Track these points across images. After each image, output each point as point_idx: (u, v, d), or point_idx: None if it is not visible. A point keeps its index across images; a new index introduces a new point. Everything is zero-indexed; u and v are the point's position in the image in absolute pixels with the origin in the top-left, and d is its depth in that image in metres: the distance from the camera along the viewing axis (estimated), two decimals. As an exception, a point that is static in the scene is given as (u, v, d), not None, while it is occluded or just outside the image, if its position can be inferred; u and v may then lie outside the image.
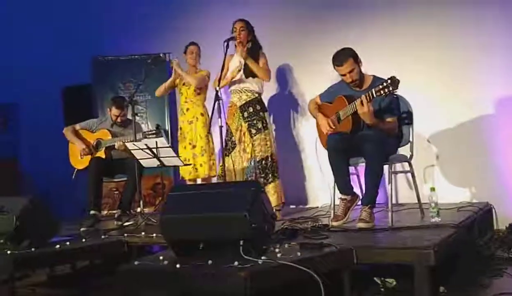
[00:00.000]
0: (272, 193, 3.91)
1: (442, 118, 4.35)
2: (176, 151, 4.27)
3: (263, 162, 3.92)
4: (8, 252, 2.87)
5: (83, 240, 3.42)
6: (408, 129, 3.49)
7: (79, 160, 4.46)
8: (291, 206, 4.79)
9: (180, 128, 4.64)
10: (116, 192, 5.25)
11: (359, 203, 3.33)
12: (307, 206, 4.93)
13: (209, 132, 4.36)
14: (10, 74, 6.15)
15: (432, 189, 3.13)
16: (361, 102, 3.05)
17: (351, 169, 3.75)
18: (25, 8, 6.37)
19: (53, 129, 5.01)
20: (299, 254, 2.33)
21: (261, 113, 4.00)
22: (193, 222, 2.42)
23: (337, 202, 3.40)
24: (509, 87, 4.14)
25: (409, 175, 3.60)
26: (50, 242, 3.16)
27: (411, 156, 3.47)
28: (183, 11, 5.59)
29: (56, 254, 3.07)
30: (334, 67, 3.30)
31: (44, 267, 3.47)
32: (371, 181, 3.14)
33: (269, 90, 4.27)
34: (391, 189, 3.29)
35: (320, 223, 3.34)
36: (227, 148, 4.05)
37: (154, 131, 4.03)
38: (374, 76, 3.35)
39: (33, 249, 2.96)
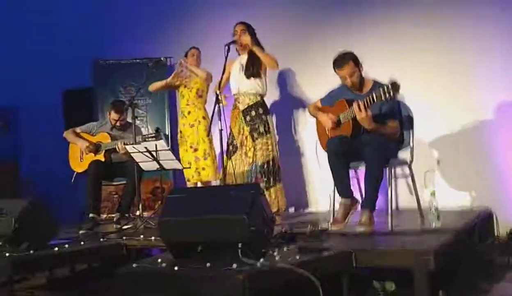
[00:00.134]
0: (274, 197, 3.90)
1: (443, 123, 4.35)
2: (176, 154, 4.27)
3: (265, 166, 3.92)
4: (7, 254, 2.88)
5: (82, 243, 3.41)
6: (409, 133, 3.48)
7: (78, 163, 4.46)
8: (291, 210, 4.78)
9: (180, 131, 4.64)
10: (115, 196, 5.25)
11: (359, 207, 3.32)
12: (307, 210, 4.92)
13: (208, 135, 4.36)
14: (11, 77, 6.16)
15: (432, 194, 3.12)
16: (358, 108, 3.05)
17: (351, 173, 3.75)
18: (26, 11, 6.40)
19: (54, 132, 5.02)
20: (297, 257, 2.32)
21: (263, 116, 3.99)
22: (192, 224, 2.41)
23: (337, 206, 3.39)
24: (510, 92, 4.13)
25: (409, 179, 3.59)
26: (48, 245, 3.16)
27: (411, 160, 3.46)
28: (184, 15, 5.61)
29: (54, 257, 3.07)
30: (335, 71, 3.30)
31: (42, 269, 3.46)
32: (370, 185, 3.13)
33: (270, 93, 4.27)
34: (391, 193, 3.28)
35: (319, 227, 3.32)
36: (229, 152, 4.05)
37: (154, 135, 4.03)
38: (374, 80, 3.35)
39: (31, 252, 2.96)
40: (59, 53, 6.02)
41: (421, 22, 4.44)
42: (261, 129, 3.95)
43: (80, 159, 4.46)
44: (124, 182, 4.43)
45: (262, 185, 3.86)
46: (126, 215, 4.34)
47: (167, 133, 5.53)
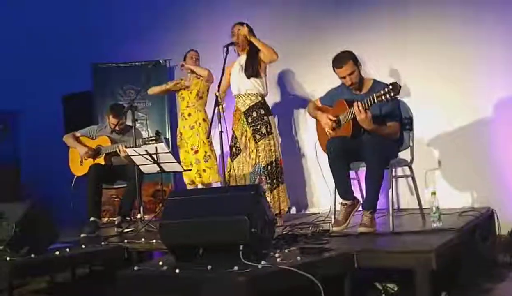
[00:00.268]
0: (277, 198, 3.89)
1: (443, 123, 4.34)
2: (176, 156, 4.27)
3: (269, 167, 3.91)
4: (7, 258, 2.86)
5: (83, 246, 3.40)
6: (408, 134, 3.48)
7: (79, 167, 4.46)
8: (292, 211, 4.77)
9: (180, 133, 4.64)
10: (116, 199, 5.24)
11: (360, 208, 3.31)
12: (308, 211, 4.92)
13: (208, 137, 4.36)
14: (12, 82, 6.17)
15: (433, 194, 3.11)
16: (358, 109, 3.04)
17: (352, 174, 3.74)
18: (26, 15, 6.40)
19: (54, 136, 5.02)
20: (299, 259, 2.31)
21: (265, 117, 3.97)
22: (193, 226, 2.41)
23: (338, 207, 3.38)
24: (511, 91, 4.13)
25: (410, 180, 3.59)
26: (49, 249, 3.15)
27: (412, 160, 3.45)
28: (183, 18, 5.62)
29: (55, 261, 3.06)
30: (334, 70, 3.30)
31: (43, 273, 3.46)
32: (371, 186, 3.12)
33: (270, 94, 4.26)
34: (392, 193, 3.27)
35: (320, 228, 3.32)
36: (232, 154, 4.05)
37: (154, 138, 4.02)
38: (374, 79, 3.35)
39: (32, 256, 2.95)
40: (58, 57, 6.03)
41: (421, 24, 4.43)
42: (263, 130, 3.94)
43: (80, 163, 4.46)
44: (124, 185, 4.43)
45: (266, 186, 3.86)
46: (127, 218, 4.33)
47: (167, 136, 5.53)
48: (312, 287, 2.12)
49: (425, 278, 2.34)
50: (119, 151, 4.23)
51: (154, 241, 3.32)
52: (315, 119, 3.60)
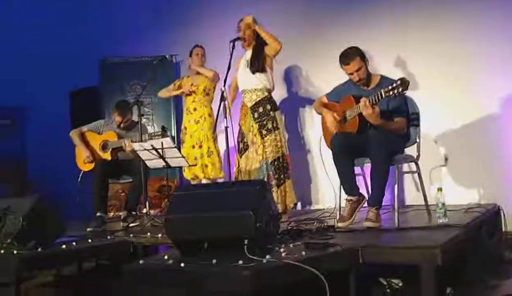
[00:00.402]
0: (284, 194, 3.89)
1: (450, 119, 4.32)
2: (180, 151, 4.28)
3: (275, 162, 3.91)
4: (15, 252, 2.89)
5: (89, 240, 3.42)
6: (415, 129, 3.47)
7: (84, 163, 4.48)
8: (297, 207, 4.77)
9: (185, 127, 4.66)
10: (122, 194, 5.27)
11: (365, 204, 3.31)
12: (313, 207, 4.91)
13: (214, 133, 4.37)
14: (19, 78, 6.20)
15: (439, 190, 3.10)
16: (365, 104, 3.03)
17: (358, 170, 3.73)
18: (34, 11, 6.43)
19: (61, 131, 5.04)
20: (304, 253, 2.32)
21: (271, 113, 3.97)
22: (198, 221, 2.42)
23: (343, 203, 3.38)
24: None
25: (416, 176, 3.58)
26: (56, 243, 3.17)
27: (418, 156, 3.44)
28: (189, 12, 5.62)
29: (62, 255, 3.08)
30: (341, 66, 3.29)
31: (50, 267, 3.48)
32: (377, 182, 3.11)
33: (276, 90, 4.26)
34: (398, 189, 3.26)
35: (325, 224, 3.31)
36: (239, 149, 4.05)
37: (160, 133, 4.03)
38: (381, 75, 3.34)
39: (39, 249, 2.97)
40: (65, 53, 6.05)
41: (429, 20, 4.41)
42: (269, 125, 3.94)
43: (84, 163, 4.47)
44: (131, 179, 4.44)
45: (273, 182, 3.86)
46: (133, 212, 4.35)
47: (173, 131, 5.55)
48: (316, 282, 2.12)
49: (431, 274, 2.34)
50: (125, 146, 4.25)
51: (160, 235, 3.34)
52: (320, 116, 3.60)
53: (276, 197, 3.85)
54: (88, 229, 4.00)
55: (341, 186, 3.35)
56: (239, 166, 4.05)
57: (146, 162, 4.02)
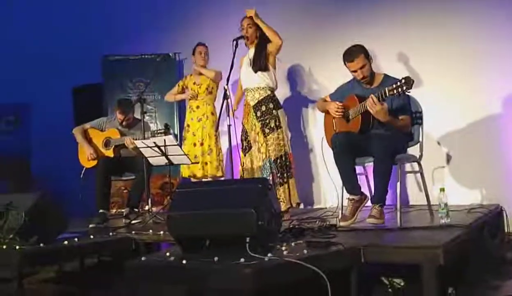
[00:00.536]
0: (287, 192, 3.89)
1: (453, 119, 4.31)
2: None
3: (278, 161, 3.91)
4: (17, 247, 2.89)
5: (91, 237, 3.43)
6: (418, 129, 3.46)
7: (87, 160, 4.49)
8: (300, 207, 4.77)
9: (188, 125, 4.66)
10: (124, 191, 5.27)
11: (368, 203, 3.30)
12: (315, 206, 4.91)
13: (216, 131, 4.37)
14: (22, 75, 6.21)
15: (442, 190, 3.09)
16: (373, 101, 3.02)
17: (360, 169, 3.73)
18: (36, 8, 6.44)
19: (64, 128, 5.05)
20: (305, 252, 2.32)
21: (274, 111, 3.97)
22: (200, 218, 2.42)
23: (345, 202, 3.38)
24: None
25: (419, 176, 3.57)
26: (58, 239, 3.18)
27: (421, 156, 3.43)
28: (192, 10, 5.62)
29: (64, 250, 3.09)
30: (345, 64, 3.29)
31: (52, 263, 3.49)
32: (379, 179, 3.10)
33: (279, 89, 4.26)
34: (400, 189, 3.26)
35: (327, 223, 3.31)
36: (243, 148, 4.06)
37: (163, 131, 4.04)
38: (384, 74, 3.34)
39: (41, 245, 2.98)
40: (68, 50, 6.06)
41: (432, 18, 4.40)
42: (272, 124, 3.94)
43: (88, 160, 4.48)
44: (133, 177, 4.45)
45: (277, 181, 3.86)
46: (136, 209, 4.36)
47: (175, 129, 5.55)
48: (318, 280, 2.12)
49: (432, 274, 2.33)
50: (127, 143, 4.26)
51: (162, 232, 3.34)
52: (323, 116, 3.59)
53: (279, 195, 3.85)
54: (90, 226, 4.01)
55: (343, 185, 3.34)
56: (243, 164, 4.06)
57: (149, 159, 4.03)
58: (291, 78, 5.16)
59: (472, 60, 4.21)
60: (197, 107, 4.62)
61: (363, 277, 2.56)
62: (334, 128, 3.48)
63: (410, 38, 4.48)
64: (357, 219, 3.26)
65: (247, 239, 2.26)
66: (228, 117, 3.69)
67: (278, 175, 3.90)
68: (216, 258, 2.20)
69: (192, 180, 4.60)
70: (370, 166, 3.30)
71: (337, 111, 3.33)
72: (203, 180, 4.55)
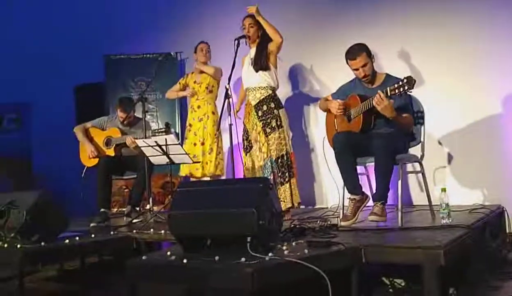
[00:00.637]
0: (289, 192, 3.88)
1: (454, 119, 4.30)
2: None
3: (279, 160, 3.91)
4: (18, 246, 2.90)
5: (92, 235, 3.43)
6: (420, 129, 3.46)
7: (89, 158, 4.49)
8: (301, 206, 4.77)
9: (190, 125, 4.66)
10: (126, 190, 5.28)
11: (369, 203, 3.30)
12: (317, 206, 4.91)
13: (218, 130, 4.37)
14: (24, 74, 6.22)
15: (443, 190, 3.09)
16: (380, 97, 3.01)
17: (361, 169, 3.73)
18: (38, 8, 6.44)
19: (66, 127, 5.06)
20: (306, 251, 2.31)
21: (275, 111, 3.97)
22: (201, 218, 2.42)
23: (346, 202, 3.37)
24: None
25: (420, 176, 3.56)
26: (59, 237, 3.18)
27: (422, 156, 3.43)
28: (194, 9, 5.62)
29: (65, 249, 3.09)
30: (347, 62, 3.29)
31: (53, 261, 3.50)
32: (381, 178, 3.10)
33: (281, 88, 4.26)
34: (402, 189, 3.25)
35: (328, 223, 3.31)
36: (245, 147, 4.06)
37: (163, 130, 4.04)
38: (386, 74, 3.33)
39: (42, 244, 2.98)
40: (70, 49, 6.07)
41: (433, 18, 4.39)
42: (273, 124, 3.94)
43: (89, 158, 4.48)
44: (134, 176, 4.45)
45: (278, 180, 3.86)
46: (137, 208, 4.36)
47: (177, 128, 5.55)
48: (319, 280, 2.12)
49: (433, 274, 2.33)
50: (128, 142, 4.26)
51: (163, 231, 3.35)
52: (325, 115, 3.59)
53: (280, 194, 3.85)
54: (92, 225, 4.01)
55: (344, 185, 3.34)
56: (245, 163, 4.06)
57: (150, 158, 4.03)
58: (292, 77, 5.16)
59: (473, 60, 4.20)
60: (198, 107, 4.62)
61: (364, 277, 2.55)
62: (336, 128, 3.48)
63: (411, 38, 4.47)
64: (358, 219, 3.26)
65: (248, 239, 2.26)
66: (229, 117, 3.68)
67: (279, 174, 3.89)
68: (217, 258, 2.20)
69: (192, 179, 4.60)
70: (371, 165, 3.29)
71: (338, 109, 3.33)
72: (203, 179, 4.54)
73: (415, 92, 3.39)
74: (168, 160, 3.97)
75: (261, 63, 3.95)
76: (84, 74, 5.87)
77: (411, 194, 4.46)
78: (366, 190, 3.38)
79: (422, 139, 3.45)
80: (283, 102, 4.23)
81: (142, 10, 5.95)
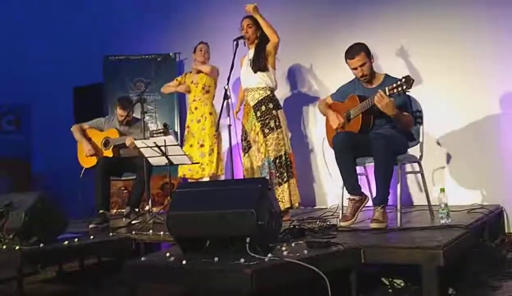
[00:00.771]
0: (287, 192, 3.88)
1: (453, 119, 4.31)
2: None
3: (277, 160, 3.91)
4: (17, 247, 2.89)
5: (91, 237, 3.43)
6: (418, 129, 3.46)
7: (87, 159, 4.49)
8: (300, 207, 4.77)
9: (188, 126, 4.66)
10: (124, 191, 5.27)
11: (368, 203, 3.30)
12: (316, 207, 4.91)
13: (217, 131, 4.37)
14: (23, 75, 6.22)
15: (442, 190, 3.09)
16: (381, 95, 3.01)
17: (361, 169, 3.73)
18: (38, 9, 6.44)
19: (65, 128, 5.06)
20: (305, 252, 2.31)
21: (273, 111, 3.97)
22: (200, 218, 2.41)
23: (346, 202, 3.37)
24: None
25: (419, 176, 3.56)
26: (58, 239, 3.18)
27: (421, 156, 3.43)
28: (193, 11, 5.62)
29: (64, 250, 3.09)
30: (346, 61, 3.29)
31: (52, 263, 3.50)
32: (381, 180, 3.09)
33: (279, 89, 4.26)
34: (401, 189, 3.26)
35: (328, 223, 3.31)
36: (243, 148, 4.06)
37: (162, 130, 4.04)
38: (386, 74, 3.33)
39: (41, 245, 2.98)
40: (69, 50, 6.07)
41: (432, 17, 4.40)
42: (272, 124, 3.94)
43: (86, 157, 4.48)
44: (133, 177, 4.45)
45: (276, 180, 3.86)
46: (136, 209, 4.36)
47: (176, 129, 5.55)
48: (318, 281, 2.12)
49: (433, 274, 2.33)
50: (128, 143, 4.25)
51: (162, 233, 3.34)
52: (324, 116, 3.60)
53: (278, 195, 3.85)
54: (91, 226, 4.01)
55: (344, 185, 3.34)
56: (244, 164, 4.06)
57: (149, 159, 4.02)
58: (291, 78, 5.16)
59: (472, 60, 4.21)
60: (195, 108, 4.63)
61: (363, 277, 2.55)
62: (335, 129, 3.47)
63: (410, 38, 4.48)
64: (357, 219, 3.26)
65: (247, 239, 2.26)
66: (228, 117, 3.68)
67: (277, 174, 3.89)
68: (216, 258, 2.20)
69: (189, 180, 4.60)
70: (370, 166, 3.30)
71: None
72: (202, 180, 4.54)
73: (414, 93, 3.39)
74: (167, 161, 3.96)
75: (259, 64, 3.95)
76: (83, 75, 5.88)
77: (410, 194, 4.47)
78: (365, 190, 3.38)
79: (421, 140, 3.45)
80: (282, 103, 4.23)
81: (141, 11, 5.95)
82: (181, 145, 4.47)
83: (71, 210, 3.91)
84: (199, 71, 4.66)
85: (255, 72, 3.97)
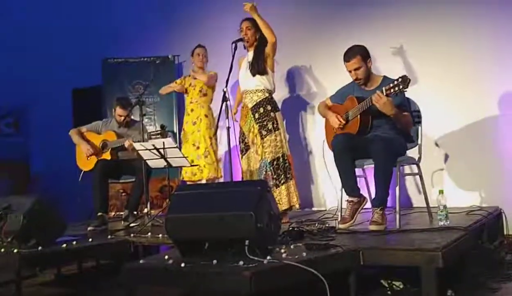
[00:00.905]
0: (285, 194, 3.88)
1: (452, 120, 4.31)
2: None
3: (275, 162, 3.90)
4: (15, 250, 2.89)
5: (90, 239, 3.42)
6: (417, 130, 3.46)
7: (85, 162, 4.49)
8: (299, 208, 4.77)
9: (183, 129, 4.67)
10: (123, 194, 5.27)
11: (367, 205, 3.30)
12: (315, 209, 4.91)
13: (215, 133, 4.37)
14: (22, 77, 6.22)
15: (441, 192, 3.09)
16: (378, 95, 3.02)
17: (360, 171, 3.73)
18: (36, 12, 6.44)
19: (63, 131, 5.05)
20: (304, 254, 2.31)
21: (271, 113, 3.97)
22: (199, 221, 2.41)
23: (345, 204, 3.37)
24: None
25: (418, 178, 3.56)
26: (56, 242, 3.17)
27: (420, 158, 3.43)
28: (191, 13, 5.63)
29: (62, 253, 3.08)
30: (344, 63, 3.30)
31: (51, 266, 3.49)
32: (380, 182, 3.09)
33: (277, 91, 4.26)
34: (399, 191, 3.26)
35: (327, 225, 3.31)
36: (241, 150, 4.06)
37: (159, 132, 4.03)
38: (384, 76, 3.34)
39: (39, 248, 2.97)
40: (68, 53, 6.07)
41: (431, 19, 4.41)
42: (270, 126, 3.94)
43: (87, 158, 4.48)
44: (132, 179, 4.44)
45: (271, 182, 3.85)
46: (135, 212, 4.35)
47: (174, 131, 5.55)
48: (317, 283, 2.11)
49: (431, 276, 2.33)
50: (127, 145, 4.25)
51: (160, 235, 3.34)
52: (323, 117, 3.60)
53: (275, 197, 3.84)
54: (89, 228, 4.00)
55: (342, 187, 3.34)
56: (243, 166, 4.06)
57: (148, 161, 4.02)
58: (289, 80, 5.17)
59: (471, 61, 4.21)
60: (192, 110, 4.63)
61: (362, 279, 2.55)
62: (334, 130, 3.48)
63: (409, 39, 4.48)
64: (356, 221, 3.26)
65: (246, 242, 2.25)
66: (227, 119, 3.68)
67: (274, 176, 3.89)
68: (214, 261, 2.20)
69: (188, 183, 4.60)
70: (369, 168, 3.30)
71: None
72: (199, 182, 4.54)
73: (412, 94, 3.40)
74: (165, 163, 3.96)
75: (258, 67, 3.95)
76: (82, 78, 5.87)
77: (409, 196, 4.47)
78: (364, 192, 3.38)
79: (419, 142, 3.46)
80: (280, 105, 4.23)
81: (139, 14, 5.96)
82: (180, 147, 4.46)
83: (70, 212, 3.91)
84: (195, 77, 4.67)
85: (253, 75, 3.97)
